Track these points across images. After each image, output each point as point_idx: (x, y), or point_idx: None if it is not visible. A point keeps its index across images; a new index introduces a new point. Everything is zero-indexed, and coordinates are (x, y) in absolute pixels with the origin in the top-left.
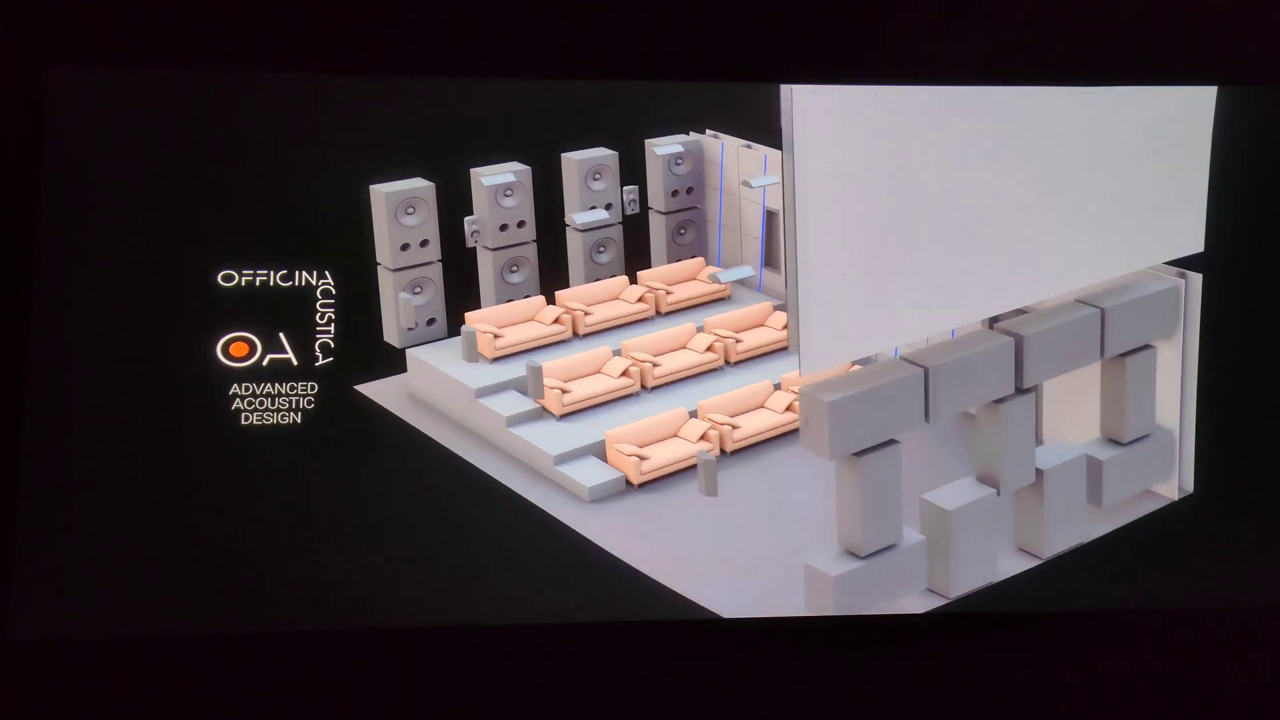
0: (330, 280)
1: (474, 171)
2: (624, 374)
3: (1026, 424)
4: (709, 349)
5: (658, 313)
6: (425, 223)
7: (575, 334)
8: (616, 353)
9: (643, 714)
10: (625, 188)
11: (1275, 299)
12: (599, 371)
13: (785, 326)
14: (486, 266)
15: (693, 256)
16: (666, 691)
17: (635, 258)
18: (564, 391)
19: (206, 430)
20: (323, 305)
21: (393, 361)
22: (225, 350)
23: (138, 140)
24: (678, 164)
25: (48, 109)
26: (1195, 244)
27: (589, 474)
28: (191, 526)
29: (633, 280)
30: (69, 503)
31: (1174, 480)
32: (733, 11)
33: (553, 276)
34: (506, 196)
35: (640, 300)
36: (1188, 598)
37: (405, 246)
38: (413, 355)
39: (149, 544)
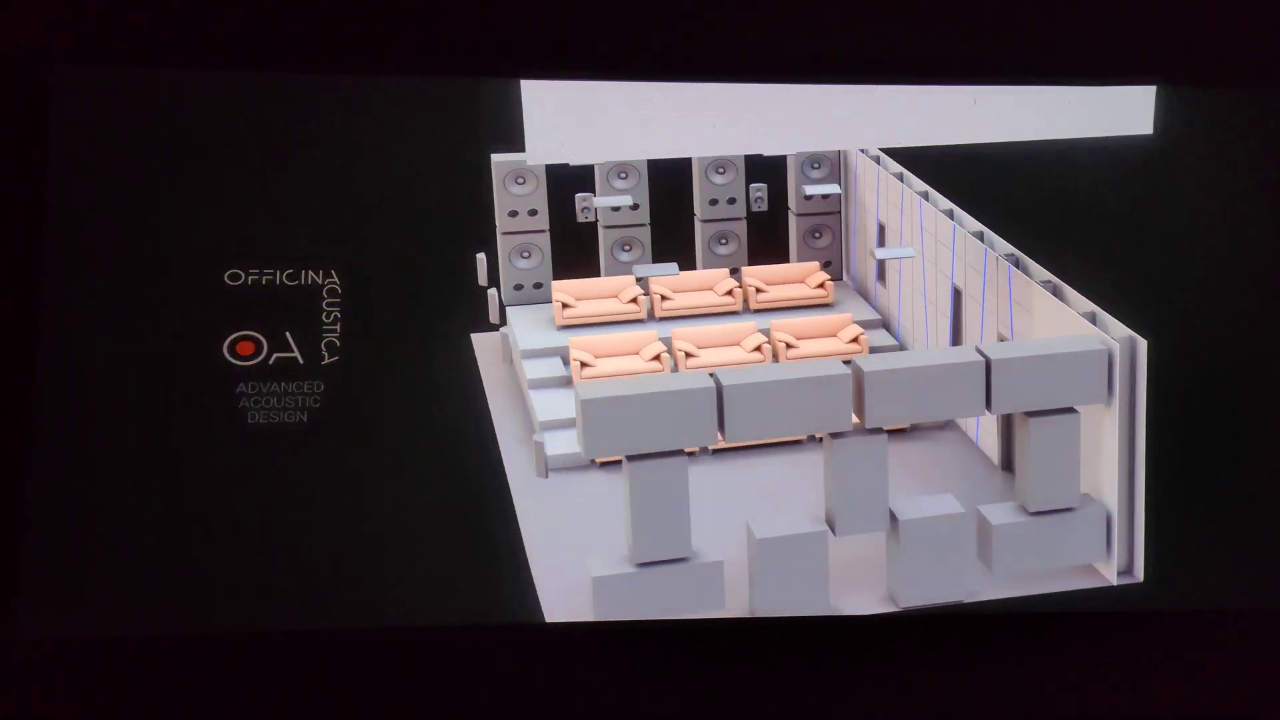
0: (336, 279)
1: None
2: (655, 359)
3: (870, 466)
4: (756, 349)
5: (746, 309)
6: (534, 194)
7: (651, 316)
8: (667, 339)
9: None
10: (752, 185)
11: (1238, 371)
12: (636, 354)
13: (854, 340)
14: (603, 243)
15: (825, 261)
16: (475, 697)
17: (762, 254)
18: (584, 365)
19: (213, 428)
20: (329, 304)
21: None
22: (232, 349)
23: (143, 140)
24: (814, 167)
25: (53, 109)
26: (1142, 124)
27: (560, 445)
28: (197, 525)
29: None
30: (75, 501)
31: (1112, 563)
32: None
33: (672, 261)
34: (621, 179)
35: (728, 294)
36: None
37: (514, 214)
38: (510, 313)
39: (154, 542)
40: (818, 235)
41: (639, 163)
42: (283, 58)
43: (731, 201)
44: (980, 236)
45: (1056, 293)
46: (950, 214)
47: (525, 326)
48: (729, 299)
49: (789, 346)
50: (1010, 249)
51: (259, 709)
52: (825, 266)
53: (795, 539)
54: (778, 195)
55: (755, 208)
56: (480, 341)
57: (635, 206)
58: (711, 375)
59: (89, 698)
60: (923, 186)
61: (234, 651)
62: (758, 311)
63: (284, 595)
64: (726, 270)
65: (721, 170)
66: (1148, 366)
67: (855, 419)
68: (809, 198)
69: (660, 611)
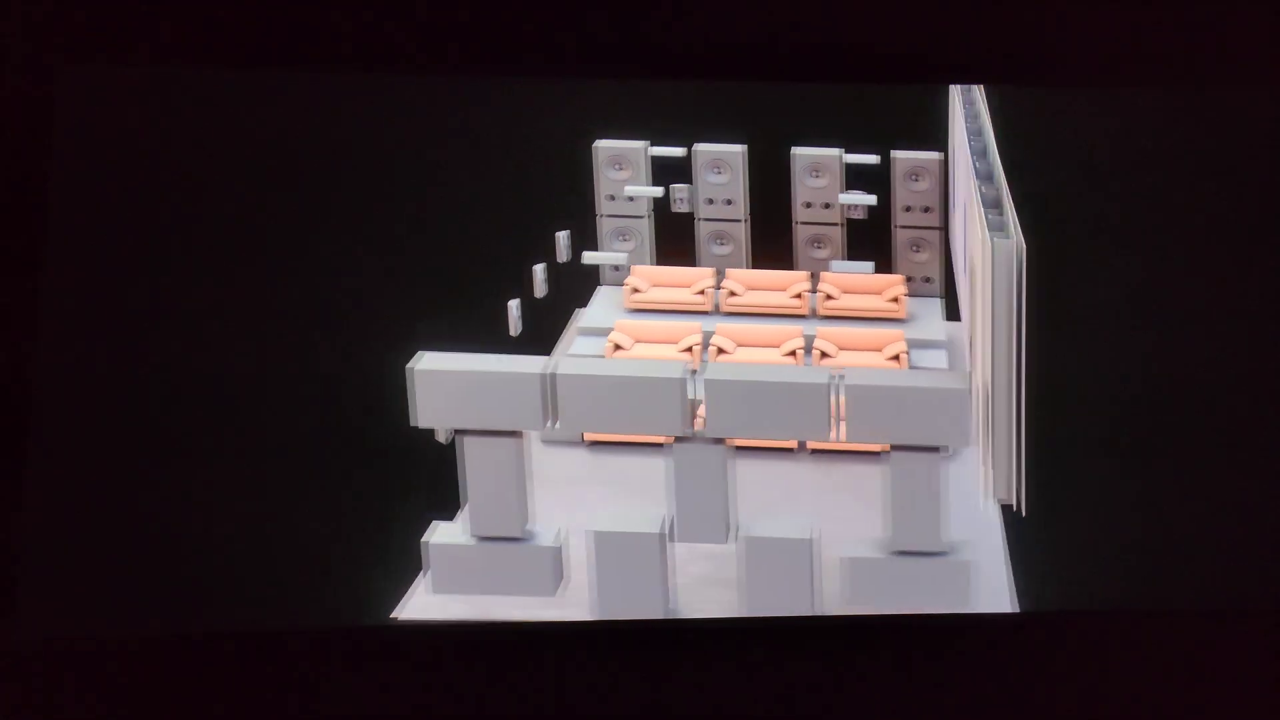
0: None
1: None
2: (686, 350)
3: (710, 476)
4: (790, 354)
5: (813, 314)
6: (633, 180)
7: (717, 310)
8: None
9: None
10: (848, 191)
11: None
12: (674, 343)
13: (894, 357)
14: (700, 235)
15: (926, 278)
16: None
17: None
18: (618, 347)
19: (212, 429)
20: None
21: None
22: None
23: (149, 141)
24: (914, 179)
25: (56, 107)
26: None
27: None
28: (198, 526)
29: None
30: (74, 502)
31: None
32: None
33: (773, 260)
34: (716, 174)
35: (797, 297)
36: None
37: (612, 198)
38: (600, 291)
39: (153, 544)
40: (916, 249)
41: (734, 158)
42: (299, 55)
43: (827, 206)
44: (982, 153)
45: (994, 203)
46: (979, 133)
47: (600, 305)
48: (797, 302)
49: (825, 356)
50: (994, 165)
51: (264, 710)
52: (926, 282)
53: (630, 537)
54: (881, 206)
55: (850, 215)
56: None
57: (651, 201)
58: (552, 363)
59: (85, 700)
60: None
61: (232, 652)
62: (825, 318)
63: (282, 594)
64: (806, 273)
65: (816, 174)
66: (1022, 271)
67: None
68: (828, 206)
69: (494, 589)
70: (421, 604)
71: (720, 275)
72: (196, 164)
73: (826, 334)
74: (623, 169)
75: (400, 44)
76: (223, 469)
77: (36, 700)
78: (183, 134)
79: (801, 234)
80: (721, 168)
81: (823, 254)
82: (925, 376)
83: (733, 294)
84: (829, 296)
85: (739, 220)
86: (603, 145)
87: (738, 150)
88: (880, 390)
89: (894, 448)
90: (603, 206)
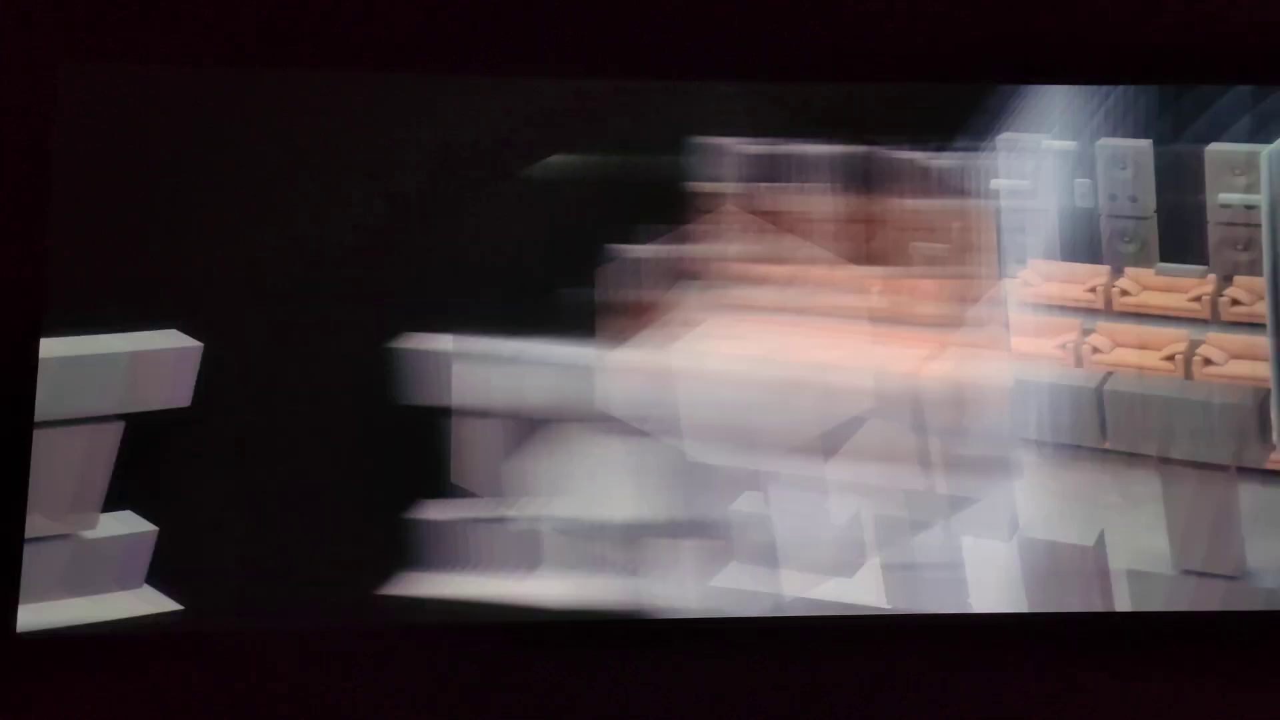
0: None
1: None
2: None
3: None
4: (1169, 359)
5: (1215, 318)
6: None
7: (1107, 308)
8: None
9: None
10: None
11: None
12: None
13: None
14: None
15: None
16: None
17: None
18: None
19: (212, 430)
20: None
21: None
22: None
23: (152, 140)
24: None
25: (59, 106)
26: None
27: None
28: (197, 524)
29: None
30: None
31: None
32: None
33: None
34: (1120, 169)
35: (1196, 300)
36: None
37: None
38: None
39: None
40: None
41: (1142, 154)
42: (299, 54)
43: (1249, 207)
44: None
45: None
46: None
47: None
48: (1195, 305)
49: (1208, 363)
50: None
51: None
52: None
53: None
54: None
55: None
56: None
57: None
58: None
59: (86, 698)
60: None
61: (232, 651)
62: (1229, 324)
63: (286, 592)
64: (1212, 276)
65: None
66: None
67: None
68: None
69: (475, 568)
70: (408, 581)
71: (1117, 274)
72: (218, 162)
73: (1217, 340)
74: None
75: (470, 46)
76: (220, 468)
77: (32, 699)
78: (198, 133)
79: (1215, 234)
80: (1125, 163)
81: (1244, 256)
82: (1206, 389)
83: (1125, 293)
84: (1236, 301)
85: (1145, 218)
86: None
87: (1145, 144)
88: (1144, 399)
89: (1165, 461)
90: None
